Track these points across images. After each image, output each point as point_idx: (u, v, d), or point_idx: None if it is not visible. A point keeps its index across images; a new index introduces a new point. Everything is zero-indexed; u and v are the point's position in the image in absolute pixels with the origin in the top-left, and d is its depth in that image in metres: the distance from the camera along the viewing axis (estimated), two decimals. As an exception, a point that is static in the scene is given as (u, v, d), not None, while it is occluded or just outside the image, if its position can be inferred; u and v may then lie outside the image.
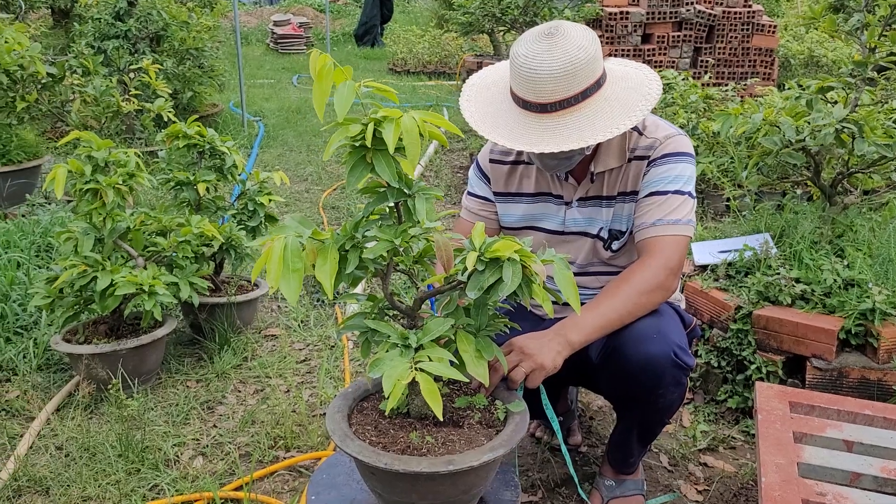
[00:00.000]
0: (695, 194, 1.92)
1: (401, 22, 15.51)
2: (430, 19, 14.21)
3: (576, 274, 2.06)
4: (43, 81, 4.63)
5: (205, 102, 7.08)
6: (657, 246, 1.86)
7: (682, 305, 2.13)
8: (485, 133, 1.82)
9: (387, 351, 1.50)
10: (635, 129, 1.95)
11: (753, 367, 2.49)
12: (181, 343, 3.19)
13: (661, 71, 5.51)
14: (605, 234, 2.01)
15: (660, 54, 7.99)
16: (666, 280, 1.84)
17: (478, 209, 2.14)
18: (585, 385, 2.23)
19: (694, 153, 1.96)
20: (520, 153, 2.07)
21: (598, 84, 1.79)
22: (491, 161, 2.11)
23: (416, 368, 1.43)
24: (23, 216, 4.29)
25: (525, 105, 1.79)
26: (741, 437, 2.49)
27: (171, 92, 5.90)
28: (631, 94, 1.81)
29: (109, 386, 2.36)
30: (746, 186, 2.90)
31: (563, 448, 1.86)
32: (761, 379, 2.48)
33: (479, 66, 9.08)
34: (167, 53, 6.38)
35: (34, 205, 4.44)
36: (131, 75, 4.89)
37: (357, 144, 1.48)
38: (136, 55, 5.88)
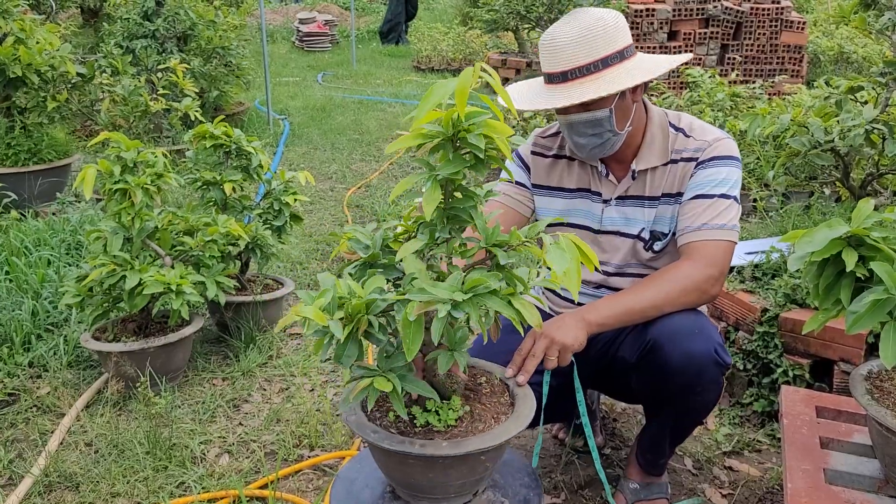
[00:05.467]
0: (738, 199, 1.91)
1: (425, 19, 15.51)
2: (454, 16, 14.21)
3: (611, 274, 2.06)
4: (73, 81, 4.71)
5: (231, 101, 7.14)
6: (702, 250, 1.86)
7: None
8: (517, 103, 1.89)
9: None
10: (680, 130, 1.96)
11: (780, 370, 2.47)
12: (208, 341, 3.23)
13: (687, 69, 5.47)
14: (646, 235, 2.00)
15: (686, 51, 7.92)
16: (705, 283, 1.84)
17: (513, 192, 2.13)
18: (610, 390, 2.22)
19: (739, 156, 1.96)
20: (561, 147, 2.08)
21: (622, 55, 1.83)
22: (533, 153, 2.13)
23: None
24: (53, 214, 4.37)
25: (549, 79, 1.86)
26: (766, 440, 2.47)
27: (197, 91, 5.97)
28: (657, 62, 1.87)
29: (138, 384, 2.39)
30: (773, 187, 2.87)
31: (592, 443, 1.86)
32: (787, 383, 2.46)
33: (504, 64, 9.12)
34: (194, 53, 6.44)
35: (64, 203, 4.51)
36: (159, 75, 4.94)
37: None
38: (163, 55, 5.95)
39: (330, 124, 7.71)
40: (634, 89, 1.88)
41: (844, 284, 1.57)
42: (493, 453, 1.51)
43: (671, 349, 1.81)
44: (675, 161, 1.94)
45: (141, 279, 2.62)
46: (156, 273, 2.64)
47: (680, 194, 1.94)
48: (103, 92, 4.77)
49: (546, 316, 2.12)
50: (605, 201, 2.03)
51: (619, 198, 2.01)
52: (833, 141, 2.49)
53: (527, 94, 1.93)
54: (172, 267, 2.78)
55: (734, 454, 2.41)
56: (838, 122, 2.48)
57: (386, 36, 14.11)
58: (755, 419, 2.57)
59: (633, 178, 1.98)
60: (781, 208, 3.07)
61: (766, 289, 2.61)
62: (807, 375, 2.45)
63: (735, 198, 1.89)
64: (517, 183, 2.14)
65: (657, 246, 1.99)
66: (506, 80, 8.66)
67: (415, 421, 1.55)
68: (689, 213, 1.90)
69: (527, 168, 2.13)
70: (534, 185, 2.13)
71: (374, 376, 1.44)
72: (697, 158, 1.91)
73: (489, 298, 1.37)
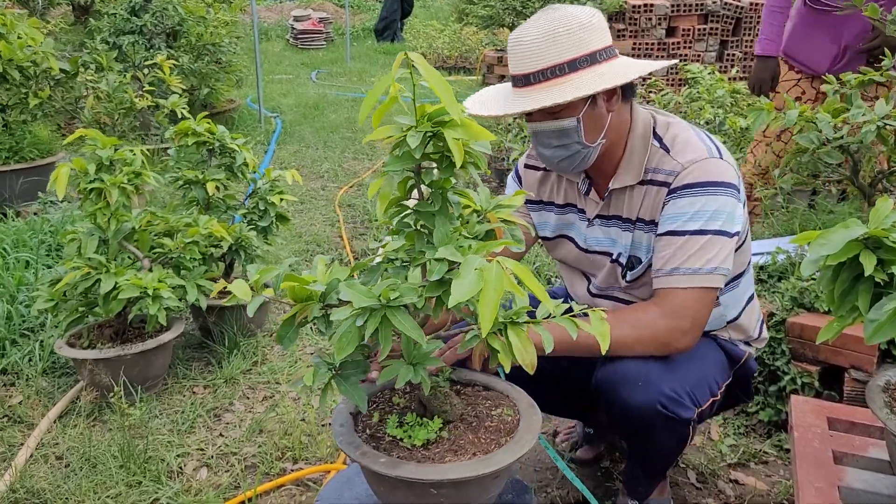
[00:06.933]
0: (730, 230, 1.64)
1: (421, 17, 15.39)
2: (450, 14, 14.09)
3: (596, 295, 1.93)
4: (56, 78, 4.57)
5: (221, 98, 7.00)
6: (670, 299, 1.65)
7: (755, 331, 1.94)
8: (467, 105, 1.71)
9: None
10: (663, 145, 1.73)
11: (787, 378, 2.35)
12: (190, 346, 3.11)
13: (685, 65, 5.35)
14: (623, 260, 1.82)
15: (685, 48, 7.81)
16: (668, 335, 1.65)
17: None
18: (586, 418, 2.12)
19: (730, 179, 1.66)
20: None
21: (594, 59, 1.62)
22: (525, 166, 1.99)
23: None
24: (35, 214, 4.24)
25: (514, 81, 1.68)
26: (774, 451, 2.35)
27: (186, 88, 5.83)
28: (630, 68, 1.66)
29: (111, 394, 2.26)
30: (779, 186, 2.76)
31: (561, 465, 1.76)
32: (796, 391, 2.34)
33: (500, 61, 8.98)
34: (184, 49, 6.30)
35: (46, 203, 4.38)
36: (145, 71, 4.81)
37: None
38: (151, 51, 5.81)
39: (323, 122, 7.58)
40: (609, 97, 1.67)
41: (862, 290, 1.44)
42: (447, 490, 1.36)
43: (611, 398, 1.68)
44: (651, 182, 1.72)
45: (116, 283, 2.50)
46: (132, 276, 2.51)
47: (654, 223, 1.72)
48: (88, 89, 4.63)
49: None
50: (589, 220, 1.87)
51: (600, 216, 1.84)
52: (842, 137, 2.37)
53: (490, 99, 1.75)
54: (150, 270, 2.65)
55: (740, 466, 2.30)
56: (848, 118, 2.36)
57: (381, 34, 13.98)
58: (761, 429, 2.46)
59: (604, 199, 1.81)
60: (786, 208, 2.95)
61: (773, 292, 2.50)
62: (816, 383, 2.33)
63: (717, 231, 1.62)
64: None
65: (629, 275, 1.81)
66: (501, 78, 8.54)
67: (386, 431, 1.49)
68: (661, 253, 1.68)
69: (521, 183, 2.00)
70: (528, 201, 1.98)
71: (328, 370, 1.38)
72: (670, 184, 1.68)
73: (396, 313, 1.24)
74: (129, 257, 2.85)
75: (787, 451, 2.32)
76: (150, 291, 2.48)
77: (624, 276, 1.82)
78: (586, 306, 1.36)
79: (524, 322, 1.30)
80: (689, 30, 7.76)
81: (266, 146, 6.57)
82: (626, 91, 1.72)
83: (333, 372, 1.38)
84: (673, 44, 7.69)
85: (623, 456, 2.33)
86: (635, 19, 7.67)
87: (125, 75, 4.78)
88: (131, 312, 2.52)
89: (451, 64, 11.25)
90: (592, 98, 1.64)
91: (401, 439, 1.47)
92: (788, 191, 2.89)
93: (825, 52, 3.22)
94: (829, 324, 1.52)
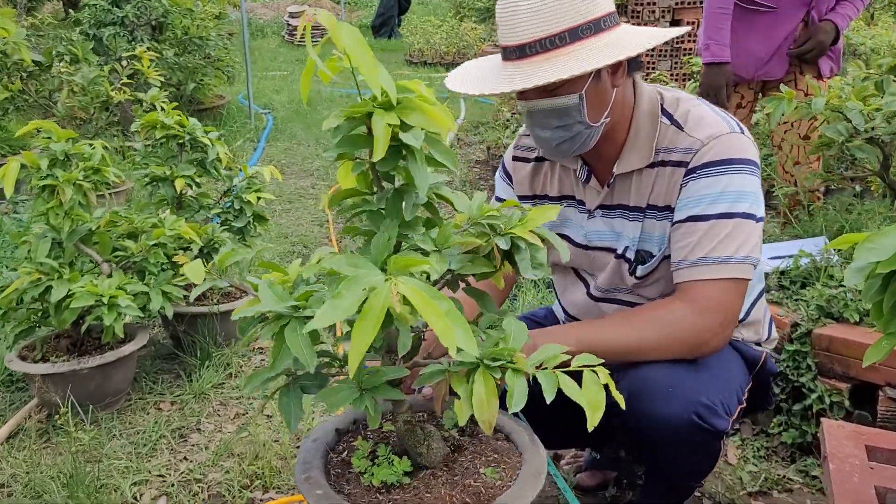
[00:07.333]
0: (756, 213, 1.46)
1: (418, 13, 15.15)
2: (447, 10, 13.87)
3: (598, 300, 1.68)
4: (29, 70, 4.33)
5: (209, 94, 6.77)
6: (699, 293, 1.44)
7: (765, 331, 1.73)
8: (447, 82, 1.50)
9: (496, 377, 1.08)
10: (674, 121, 1.52)
11: (814, 396, 2.11)
12: (160, 357, 2.86)
13: (690, 58, 5.11)
14: (630, 255, 1.59)
15: (689, 41, 7.57)
16: (703, 333, 1.44)
17: None
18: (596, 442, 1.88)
19: (753, 156, 1.48)
20: None
21: (598, 26, 1.41)
22: (514, 158, 1.75)
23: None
24: (4, 213, 4.00)
25: (506, 54, 1.44)
26: (799, 478, 2.10)
27: (170, 81, 5.60)
28: (638, 37, 1.44)
29: (57, 416, 2.02)
30: (801, 183, 2.52)
31: (570, 495, 1.51)
32: (823, 411, 2.10)
33: (498, 56, 8.76)
34: (169, 42, 6.07)
35: (16, 202, 4.14)
36: (124, 63, 4.57)
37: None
38: (133, 43, 5.57)
39: (315, 119, 7.34)
40: (614, 70, 1.47)
41: (918, 303, 1.21)
42: None
43: (639, 409, 1.43)
44: (662, 163, 1.51)
45: (70, 290, 2.26)
46: (87, 283, 2.27)
47: (669, 209, 1.52)
48: (62, 81, 4.39)
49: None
50: (589, 211, 1.64)
51: (602, 207, 1.61)
52: (874, 129, 2.13)
53: (476, 75, 1.52)
54: (110, 275, 2.41)
55: (761, 495, 2.05)
56: (881, 106, 2.12)
57: (378, 30, 13.76)
58: (783, 451, 2.21)
59: (608, 186, 1.58)
60: (808, 207, 2.70)
61: (796, 300, 2.25)
62: (846, 402, 2.09)
63: (744, 214, 1.44)
64: (505, 201, 1.79)
65: (640, 271, 1.58)
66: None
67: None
68: (682, 242, 1.47)
69: (510, 179, 1.76)
70: (519, 197, 1.74)
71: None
72: (688, 164, 1.48)
73: (296, 325, 1.01)
74: (90, 262, 2.61)
75: (814, 477, 2.08)
76: (105, 299, 2.23)
77: (632, 273, 1.59)
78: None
79: (558, 368, 1.06)
80: (694, 23, 7.51)
81: (255, 143, 6.34)
82: (632, 64, 1.51)
83: (290, 379, 1.16)
84: (678, 37, 7.45)
85: (631, 484, 2.09)
86: (638, 12, 7.42)
87: (102, 68, 4.54)
88: (85, 323, 2.28)
89: (449, 60, 11.01)
90: (597, 72, 1.42)
91: (362, 473, 1.25)
92: (810, 188, 2.65)
93: (753, 56, 2.97)
94: (877, 342, 1.27)
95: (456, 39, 11.19)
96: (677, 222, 1.49)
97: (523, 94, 1.46)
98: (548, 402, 1.03)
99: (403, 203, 1.09)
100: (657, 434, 1.44)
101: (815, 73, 2.90)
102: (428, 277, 1.01)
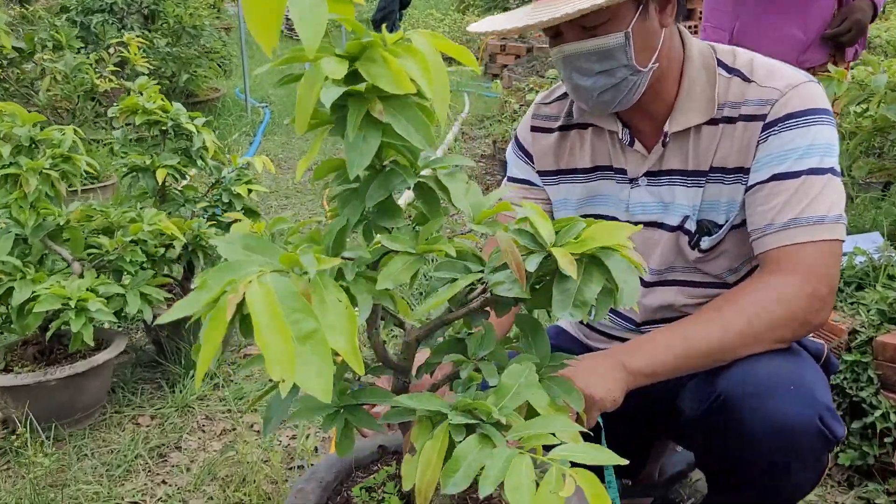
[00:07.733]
0: (839, 170, 1.29)
1: (420, 6, 14.88)
2: (450, 4, 13.64)
3: (650, 284, 1.44)
4: (9, 57, 4.09)
5: (204, 86, 6.51)
6: (798, 258, 1.23)
7: None
8: (473, 27, 1.32)
9: (457, 440, 0.82)
10: (736, 73, 1.32)
11: (877, 413, 1.85)
12: (141, 365, 2.61)
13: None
14: (691, 226, 1.37)
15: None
16: (808, 308, 1.22)
17: (520, 197, 1.52)
18: (680, 440, 1.62)
19: (830, 107, 1.31)
20: (570, 114, 1.46)
21: None
22: (533, 129, 1.51)
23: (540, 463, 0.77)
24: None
25: None
26: (860, 506, 1.85)
27: (162, 73, 5.36)
28: None
29: (14, 436, 1.77)
30: (853, 173, 2.27)
31: None
32: (888, 430, 1.85)
33: (503, 49, 8.48)
34: (162, 32, 5.82)
35: (-6, 196, 3.89)
36: (111, 51, 4.32)
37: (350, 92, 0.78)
38: (123, 31, 5.32)
39: (314, 112, 7.08)
40: (662, 7, 1.28)
41: None
42: None
43: (750, 412, 1.20)
44: (728, 119, 1.32)
45: (34, 292, 2.01)
46: (54, 284, 2.02)
47: (742, 170, 1.32)
48: (45, 69, 4.14)
49: (577, 347, 1.54)
50: (632, 180, 1.41)
51: (649, 174, 1.39)
52: (941, 109, 1.87)
53: (499, 20, 1.32)
54: (82, 276, 2.16)
55: (818, 527, 1.81)
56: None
57: (379, 24, 13.50)
58: (840, 475, 1.96)
59: (664, 145, 1.36)
60: (854, 199, 2.45)
61: (853, 303, 2.00)
62: (915, 420, 1.83)
63: (832, 170, 1.27)
64: (523, 182, 1.53)
65: (705, 243, 1.37)
66: (504, 67, 8.06)
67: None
68: (767, 205, 1.27)
69: (528, 156, 1.53)
70: (541, 174, 1.51)
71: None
72: (765, 117, 1.28)
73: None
74: (62, 260, 2.36)
75: (878, 506, 1.83)
76: (72, 303, 1.98)
77: (695, 247, 1.38)
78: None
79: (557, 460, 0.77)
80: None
81: (252, 137, 6.10)
82: (680, 6, 1.31)
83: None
84: (691, 27, 7.20)
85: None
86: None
87: (88, 55, 4.29)
88: (51, 329, 2.03)
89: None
90: (644, 4, 1.23)
91: None
92: (861, 179, 2.40)
93: (794, 40, 2.65)
94: None
95: (459, 34, 10.93)
96: (758, 184, 1.29)
97: (559, 38, 1.26)
98: (481, 496, 0.79)
99: (381, 185, 0.84)
100: (771, 441, 1.19)
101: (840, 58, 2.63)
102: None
